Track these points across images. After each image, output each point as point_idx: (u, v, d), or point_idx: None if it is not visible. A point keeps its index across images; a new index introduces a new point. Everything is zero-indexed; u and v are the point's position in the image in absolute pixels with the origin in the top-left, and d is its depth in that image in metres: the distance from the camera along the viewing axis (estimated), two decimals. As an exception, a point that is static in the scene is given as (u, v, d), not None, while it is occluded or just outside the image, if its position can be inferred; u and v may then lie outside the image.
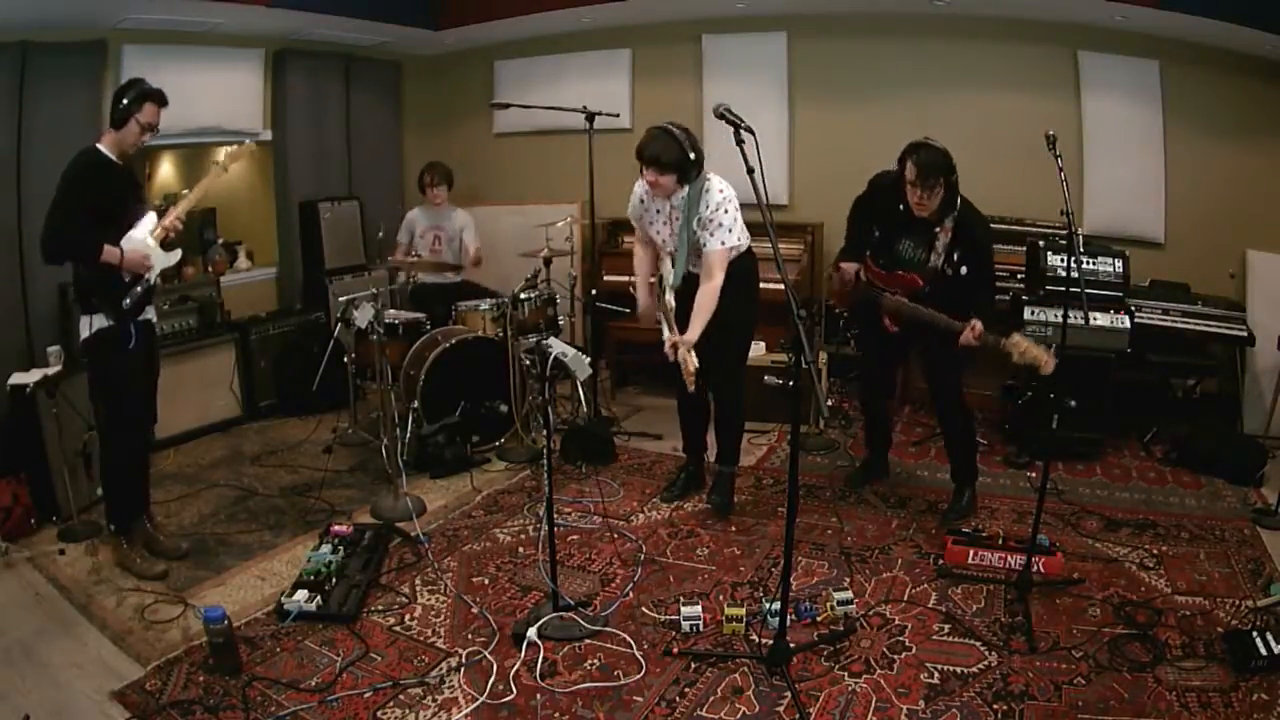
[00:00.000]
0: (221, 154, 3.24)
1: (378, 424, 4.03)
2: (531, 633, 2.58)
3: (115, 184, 2.91)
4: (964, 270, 3.14)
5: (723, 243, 3.12)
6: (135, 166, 3.12)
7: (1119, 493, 3.70)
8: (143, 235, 2.94)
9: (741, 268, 3.28)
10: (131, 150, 2.94)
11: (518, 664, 2.47)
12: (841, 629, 2.64)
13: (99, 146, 2.87)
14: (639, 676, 2.42)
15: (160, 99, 2.90)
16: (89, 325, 2.90)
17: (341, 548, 3.05)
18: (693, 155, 3.06)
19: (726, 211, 3.12)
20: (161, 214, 3.02)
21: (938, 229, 3.14)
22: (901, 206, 3.18)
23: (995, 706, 2.25)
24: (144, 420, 3.13)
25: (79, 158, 2.84)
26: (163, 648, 2.58)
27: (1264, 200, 4.37)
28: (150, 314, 3.07)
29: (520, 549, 3.25)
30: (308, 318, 5.18)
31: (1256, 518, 3.38)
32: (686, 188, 3.15)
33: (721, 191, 3.14)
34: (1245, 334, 4.11)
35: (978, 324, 3.01)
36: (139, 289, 2.93)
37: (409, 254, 4.86)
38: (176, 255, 3.07)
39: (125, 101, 2.85)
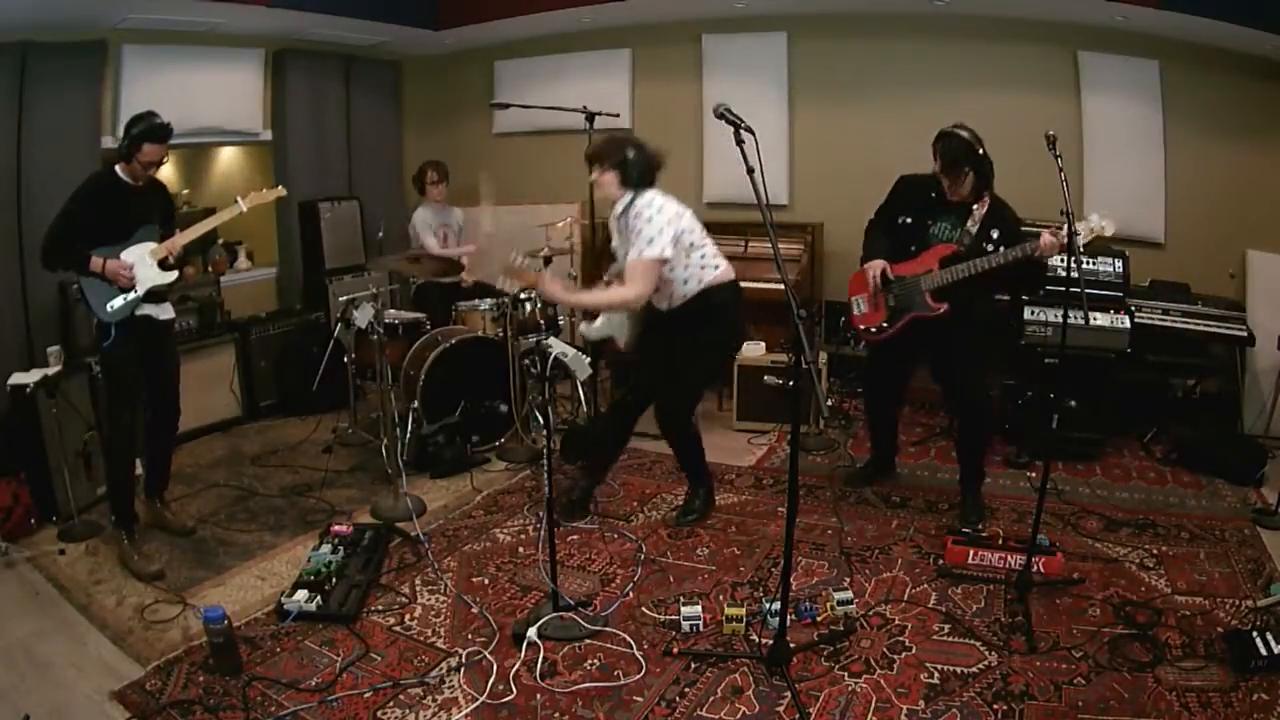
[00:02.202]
0: (248, 194, 3.31)
1: (378, 424, 4.04)
2: (531, 633, 2.58)
3: (121, 203, 3.03)
4: (1001, 245, 3.09)
5: (640, 253, 2.95)
6: (161, 186, 3.22)
7: (1119, 493, 3.69)
8: (138, 253, 3.05)
9: (718, 300, 3.14)
10: (143, 179, 3.05)
11: (518, 664, 2.48)
12: (841, 629, 2.64)
13: (115, 168, 3.02)
14: (639, 676, 2.42)
15: (161, 137, 2.97)
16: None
17: (341, 548, 3.05)
18: (631, 154, 2.96)
19: (651, 220, 2.94)
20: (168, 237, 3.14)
21: (974, 205, 3.14)
22: (933, 194, 3.19)
23: (995, 706, 2.25)
24: (136, 413, 3.21)
25: (89, 178, 3.03)
26: (163, 648, 2.58)
27: (1264, 200, 4.37)
28: (155, 311, 3.18)
29: (520, 549, 3.25)
30: (308, 318, 5.18)
31: (1256, 518, 3.38)
32: (626, 198, 3.04)
33: (652, 204, 2.97)
34: (1245, 334, 4.10)
35: (1045, 234, 2.93)
36: (121, 300, 3.04)
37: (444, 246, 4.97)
38: (172, 276, 3.16)
39: (127, 142, 2.95)
